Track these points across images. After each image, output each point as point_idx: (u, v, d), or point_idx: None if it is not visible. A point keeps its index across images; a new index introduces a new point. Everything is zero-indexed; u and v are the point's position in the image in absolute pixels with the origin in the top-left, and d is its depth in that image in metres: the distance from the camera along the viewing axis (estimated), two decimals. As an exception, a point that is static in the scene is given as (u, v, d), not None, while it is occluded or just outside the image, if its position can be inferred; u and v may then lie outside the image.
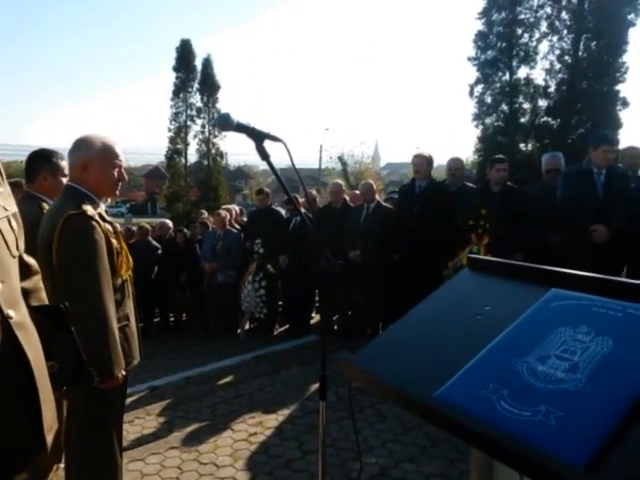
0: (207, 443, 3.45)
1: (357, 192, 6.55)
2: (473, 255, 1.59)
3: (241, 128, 1.67)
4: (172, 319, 7.64)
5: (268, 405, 4.06)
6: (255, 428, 3.65)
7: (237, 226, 7.09)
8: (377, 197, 5.93)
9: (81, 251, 2.03)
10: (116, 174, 2.23)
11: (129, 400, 4.30)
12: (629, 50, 12.41)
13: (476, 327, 1.21)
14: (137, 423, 3.86)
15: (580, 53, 12.80)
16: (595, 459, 0.81)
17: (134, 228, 7.84)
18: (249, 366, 5.20)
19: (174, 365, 5.40)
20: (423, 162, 5.32)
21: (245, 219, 7.66)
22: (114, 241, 2.17)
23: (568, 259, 4.14)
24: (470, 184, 5.55)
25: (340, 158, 35.82)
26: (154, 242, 7.39)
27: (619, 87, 12.50)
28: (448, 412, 0.98)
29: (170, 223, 8.13)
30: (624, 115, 12.56)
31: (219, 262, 6.55)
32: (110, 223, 2.21)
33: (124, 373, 2.14)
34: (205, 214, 8.39)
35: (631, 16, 12.18)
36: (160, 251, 7.33)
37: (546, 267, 1.29)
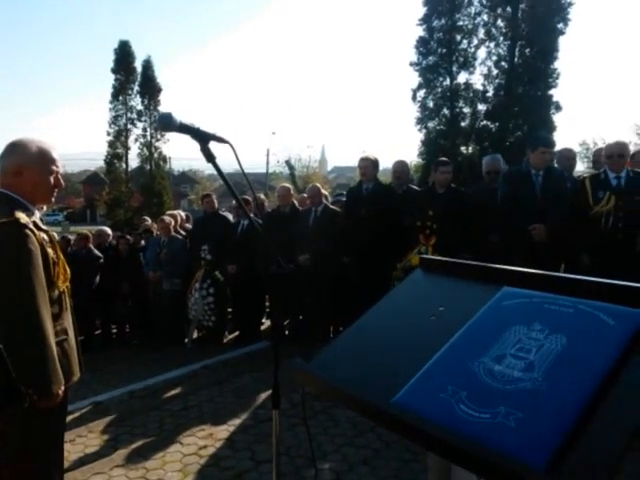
0: (154, 459, 3.31)
1: (305, 196, 6.53)
2: (425, 256, 1.58)
3: (184, 128, 1.59)
4: (115, 331, 7.33)
5: (218, 416, 3.94)
6: (205, 441, 3.54)
7: (182, 232, 6.89)
8: (324, 200, 5.93)
9: (14, 262, 1.90)
10: (52, 180, 2.12)
11: (70, 418, 4.09)
12: (560, 57, 13.10)
13: (431, 328, 1.20)
14: (79, 442, 3.66)
15: (516, 59, 13.37)
16: (555, 460, 0.80)
17: (71, 237, 7.48)
18: (197, 376, 5.05)
19: (117, 379, 5.17)
20: (369, 165, 5.36)
21: (190, 225, 7.47)
22: (50, 251, 2.04)
23: (509, 257, 4.29)
24: (415, 187, 5.66)
25: (287, 162, 35.79)
26: (96, 251, 7.07)
27: (552, 92, 13.16)
28: (407, 418, 0.95)
29: (109, 230, 7.81)
30: (557, 118, 13.24)
31: (164, 270, 6.34)
32: (46, 232, 2.08)
33: (63, 389, 2.02)
34: (148, 220, 8.11)
35: (560, 25, 12.85)
36: (102, 260, 7.02)
37: (497, 265, 1.29)
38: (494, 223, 4.73)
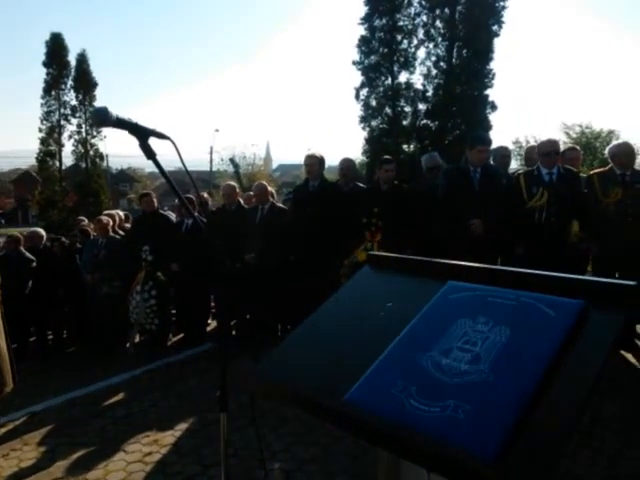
0: (96, 469, 3.17)
1: (251, 194, 6.46)
2: (373, 252, 1.59)
3: (121, 123, 1.52)
4: (51, 337, 6.97)
5: (163, 421, 3.83)
6: (150, 447, 3.42)
7: (121, 232, 6.65)
8: (271, 198, 5.88)
9: None
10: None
11: (2, 430, 3.89)
12: (495, 58, 13.63)
13: (380, 325, 1.20)
14: (13, 456, 3.46)
15: (454, 60, 13.76)
16: (503, 450, 0.81)
17: (0, 239, 7.04)
18: (140, 382, 4.88)
19: (55, 387, 4.92)
20: (315, 163, 5.37)
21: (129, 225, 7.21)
22: (-25, 254, 1.91)
23: (450, 251, 4.42)
24: (361, 184, 5.71)
25: (232, 160, 35.35)
26: (28, 254, 6.68)
27: (488, 92, 13.65)
28: (358, 416, 0.95)
29: (42, 232, 7.40)
30: (493, 117, 13.77)
31: (103, 272, 6.08)
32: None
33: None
34: (84, 221, 7.76)
35: (495, 27, 13.36)
36: (35, 263, 6.65)
37: (442, 260, 1.32)
38: (435, 218, 4.86)
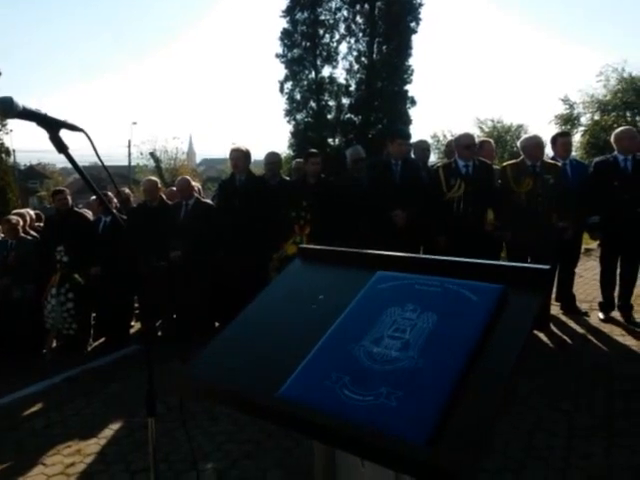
0: (13, 487, 2.95)
1: (174, 189, 6.27)
2: (303, 245, 1.59)
3: (28, 114, 1.41)
4: (-45, 348, 6.41)
5: (86, 430, 3.63)
6: (72, 458, 3.24)
7: (33, 233, 6.22)
8: (196, 193, 5.74)
9: None
10: None
11: None
12: (414, 54, 14.07)
13: (312, 317, 1.20)
14: None
15: (374, 55, 14.03)
16: (434, 434, 0.84)
17: None
18: (59, 390, 4.60)
19: (-38, 402, 4.53)
20: (241, 156, 5.29)
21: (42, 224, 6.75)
22: None
23: (375, 242, 4.53)
24: (288, 178, 5.71)
25: (152, 154, 34.06)
26: None
27: (408, 87, 14.07)
28: (293, 410, 0.94)
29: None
30: (413, 112, 14.24)
31: (14, 276, 5.67)
32: None
33: None
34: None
35: (413, 24, 13.76)
36: None
37: (370, 251, 1.33)
38: (362, 210, 4.96)
